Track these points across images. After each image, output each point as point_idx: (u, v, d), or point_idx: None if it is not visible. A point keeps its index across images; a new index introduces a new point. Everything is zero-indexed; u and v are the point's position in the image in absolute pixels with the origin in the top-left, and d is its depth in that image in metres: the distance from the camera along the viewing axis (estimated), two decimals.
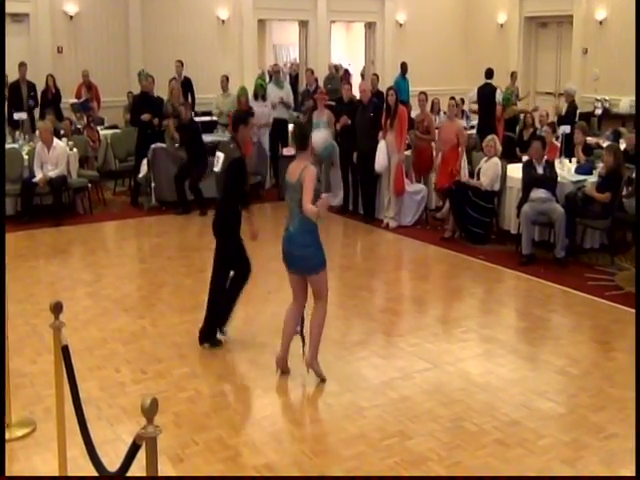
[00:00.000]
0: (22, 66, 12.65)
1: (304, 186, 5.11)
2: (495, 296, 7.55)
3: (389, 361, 5.69)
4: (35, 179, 9.87)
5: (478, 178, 9.08)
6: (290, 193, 5.32)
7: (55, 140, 10.14)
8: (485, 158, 9.18)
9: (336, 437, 4.53)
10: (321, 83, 14.59)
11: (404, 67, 15.55)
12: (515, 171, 8.98)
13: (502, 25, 18.11)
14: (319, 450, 4.38)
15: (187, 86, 13.22)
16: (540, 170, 8.33)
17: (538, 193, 8.21)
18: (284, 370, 5.37)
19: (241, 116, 6.19)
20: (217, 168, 5.93)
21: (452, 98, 11.14)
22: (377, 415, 4.79)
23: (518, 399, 5.02)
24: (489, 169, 8.98)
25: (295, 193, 5.20)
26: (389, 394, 5.09)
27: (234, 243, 5.97)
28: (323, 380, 5.26)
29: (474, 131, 12.65)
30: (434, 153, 10.18)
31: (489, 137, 9.54)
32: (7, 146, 10.64)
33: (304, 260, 5.33)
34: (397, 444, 4.43)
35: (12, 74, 12.97)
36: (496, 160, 9.03)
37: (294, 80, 16.56)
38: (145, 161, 10.62)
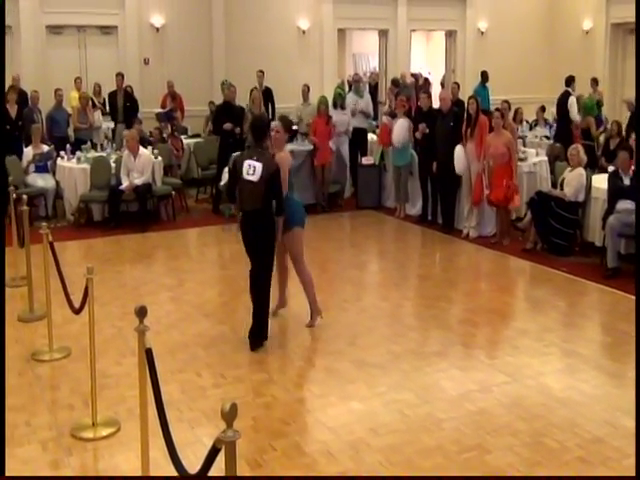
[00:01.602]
0: (118, 76, 13.07)
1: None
2: (578, 309, 7.36)
3: (467, 373, 5.61)
4: (122, 186, 10.18)
5: (561, 188, 8.88)
6: None
7: (141, 148, 10.44)
8: (569, 168, 8.97)
9: (413, 448, 4.50)
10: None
11: (484, 76, 15.37)
12: (600, 181, 8.74)
13: (587, 32, 17.70)
14: (396, 460, 4.36)
15: (268, 96, 13.41)
16: (627, 181, 8.09)
17: (625, 204, 7.97)
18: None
19: (262, 126, 6.24)
20: (253, 177, 5.85)
21: (497, 109, 9.88)
22: (455, 427, 4.74)
23: (601, 416, 4.88)
24: (573, 179, 8.77)
25: None
26: (467, 406, 5.03)
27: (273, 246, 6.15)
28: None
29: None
30: (485, 169, 9.41)
31: (572, 146, 9.33)
32: (96, 154, 11.05)
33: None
34: (475, 458, 4.37)
35: (108, 84, 13.47)
36: (581, 170, 8.82)
37: (373, 89, 16.59)
38: (226, 169, 10.80)
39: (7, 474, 3.89)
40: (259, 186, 5.84)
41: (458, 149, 9.53)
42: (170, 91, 13.99)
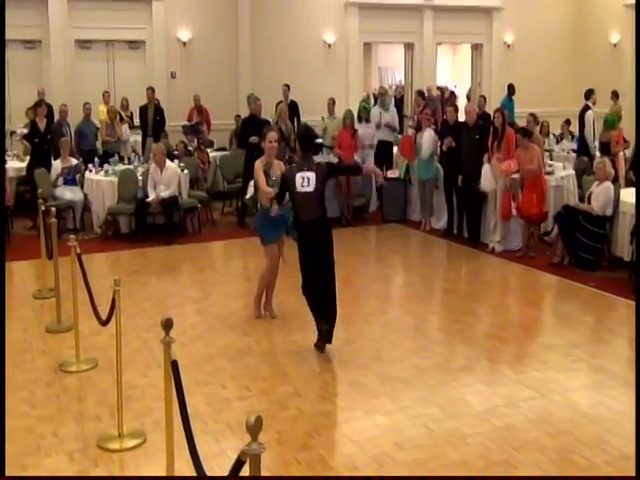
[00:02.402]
0: (149, 90, 13.20)
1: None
2: (606, 325, 7.28)
3: (493, 388, 5.57)
4: (148, 199, 10.27)
5: (589, 202, 8.81)
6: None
7: (167, 162, 10.53)
8: (596, 182, 8.90)
9: (438, 463, 4.46)
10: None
11: (511, 88, 15.32)
12: (629, 195, 8.66)
13: (615, 45, 17.60)
14: (421, 475, 4.33)
15: (293, 109, 13.46)
16: None
17: None
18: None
19: (309, 136, 6.45)
20: (309, 188, 5.97)
21: (519, 130, 9.62)
22: (480, 443, 4.70)
23: (630, 433, 4.78)
24: (601, 193, 8.69)
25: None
26: (493, 422, 4.99)
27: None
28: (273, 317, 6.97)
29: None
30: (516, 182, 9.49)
31: (599, 160, 9.26)
32: (123, 167, 11.16)
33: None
34: (501, 474, 4.32)
35: (135, 98, 13.63)
36: (608, 184, 8.74)
37: (399, 102, 16.58)
38: (252, 183, 10.83)
39: None
40: (315, 196, 6.01)
41: (486, 167, 9.47)
42: (196, 105, 14.11)
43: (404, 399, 5.33)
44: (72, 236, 6.19)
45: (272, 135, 6.79)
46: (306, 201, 6.02)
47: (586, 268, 8.61)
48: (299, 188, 5.99)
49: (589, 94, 12.78)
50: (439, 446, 4.67)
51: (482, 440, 4.73)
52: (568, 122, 14.48)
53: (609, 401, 5.29)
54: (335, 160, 11.42)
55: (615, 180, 9.69)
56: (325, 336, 6.14)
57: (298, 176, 5.99)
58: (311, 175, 5.97)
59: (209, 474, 3.28)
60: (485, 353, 6.36)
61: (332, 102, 12.91)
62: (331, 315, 6.17)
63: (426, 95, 14.95)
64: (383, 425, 4.98)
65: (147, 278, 8.74)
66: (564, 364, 6.00)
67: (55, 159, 11.13)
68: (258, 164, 6.78)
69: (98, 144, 12.93)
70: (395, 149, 12.53)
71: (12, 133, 13.89)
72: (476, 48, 18.33)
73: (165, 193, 10.28)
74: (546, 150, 11.77)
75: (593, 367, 6.00)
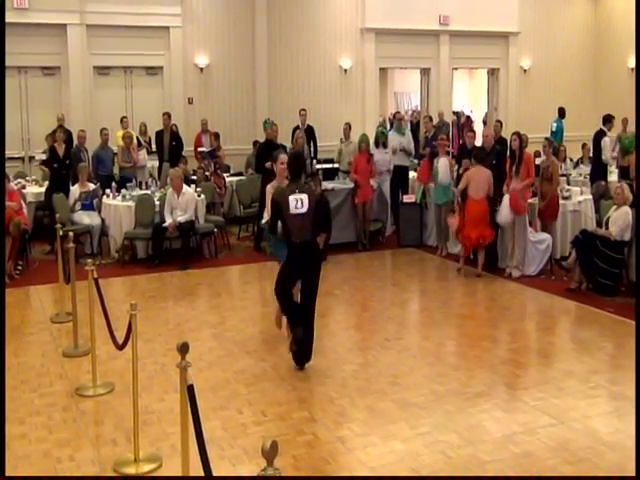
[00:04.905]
0: (165, 115, 13.33)
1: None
2: (626, 351, 7.18)
3: (512, 415, 5.51)
4: (165, 224, 10.32)
5: (607, 227, 8.77)
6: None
7: (185, 187, 10.59)
8: (614, 206, 8.86)
9: None
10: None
11: (562, 111, 15.57)
12: None
13: (633, 69, 17.58)
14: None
15: (310, 134, 13.53)
16: None
17: None
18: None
19: (300, 162, 6.45)
20: (302, 209, 6.09)
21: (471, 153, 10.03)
22: (499, 469, 4.65)
23: None
24: (619, 218, 8.65)
25: None
26: (511, 449, 4.93)
27: None
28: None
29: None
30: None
31: (617, 185, 9.22)
32: (140, 192, 11.23)
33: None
34: None
35: (153, 123, 13.76)
36: (627, 209, 8.69)
37: (415, 127, 16.65)
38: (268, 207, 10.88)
39: None
40: (308, 216, 6.13)
41: (505, 200, 9.41)
42: (204, 128, 14.22)
43: (421, 425, 5.29)
44: (89, 261, 6.21)
45: (283, 157, 6.90)
46: (299, 222, 6.15)
47: (604, 293, 8.54)
48: (293, 210, 6.12)
49: (606, 120, 12.79)
50: (457, 473, 4.62)
51: (500, 467, 4.68)
52: (585, 147, 14.47)
53: (629, 428, 5.21)
54: (351, 185, 11.47)
55: (633, 204, 9.64)
56: (300, 340, 6.24)
57: (291, 198, 6.12)
58: (304, 197, 6.13)
59: None
60: (503, 379, 6.31)
61: (348, 127, 12.98)
62: (308, 332, 6.29)
63: (438, 119, 15.06)
64: (400, 451, 4.94)
65: (164, 303, 8.76)
66: (583, 391, 5.94)
67: (73, 184, 11.23)
68: (269, 188, 6.87)
69: (115, 169, 13.03)
70: (411, 174, 12.56)
71: (31, 159, 14.07)
72: (492, 73, 18.39)
73: (182, 218, 10.33)
74: (563, 175, 11.74)
75: (613, 394, 5.94)
